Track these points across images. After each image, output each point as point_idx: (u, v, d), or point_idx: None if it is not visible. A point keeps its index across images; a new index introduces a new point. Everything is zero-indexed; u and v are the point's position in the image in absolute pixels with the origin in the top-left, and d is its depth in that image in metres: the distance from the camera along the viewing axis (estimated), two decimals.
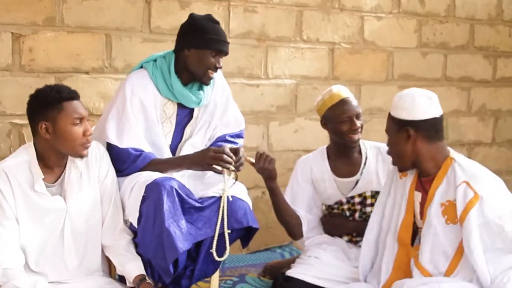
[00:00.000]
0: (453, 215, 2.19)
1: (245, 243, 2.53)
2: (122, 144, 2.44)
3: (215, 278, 2.57)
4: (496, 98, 4.41)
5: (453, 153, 2.31)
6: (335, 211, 2.76)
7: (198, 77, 2.53)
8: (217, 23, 2.54)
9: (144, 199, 2.28)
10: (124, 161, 2.44)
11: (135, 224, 2.32)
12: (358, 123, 2.67)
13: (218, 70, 2.56)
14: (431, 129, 2.27)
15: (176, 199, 2.28)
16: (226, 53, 2.55)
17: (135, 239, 2.35)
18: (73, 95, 2.20)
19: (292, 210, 2.75)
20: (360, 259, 2.50)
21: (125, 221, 2.38)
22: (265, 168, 2.61)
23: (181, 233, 2.24)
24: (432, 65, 4.19)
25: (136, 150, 2.45)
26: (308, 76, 3.83)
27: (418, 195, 2.34)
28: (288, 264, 2.81)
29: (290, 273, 2.59)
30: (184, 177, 2.48)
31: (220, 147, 2.44)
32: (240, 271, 3.24)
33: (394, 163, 2.40)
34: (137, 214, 2.30)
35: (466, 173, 2.20)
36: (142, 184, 2.32)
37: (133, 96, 2.49)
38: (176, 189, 2.28)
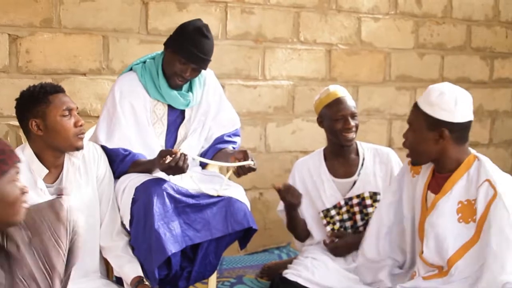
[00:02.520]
0: (469, 215, 2.14)
1: (243, 245, 2.53)
2: (112, 145, 2.45)
3: (213, 279, 2.57)
4: (493, 99, 4.41)
5: (475, 152, 2.25)
6: (336, 217, 2.74)
7: (166, 77, 2.52)
8: (205, 36, 2.45)
9: (134, 201, 2.28)
10: (113, 161, 2.43)
11: (127, 226, 2.32)
12: (353, 122, 2.68)
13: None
14: (464, 131, 2.20)
15: (167, 200, 2.27)
16: (198, 67, 2.48)
17: (130, 241, 2.34)
18: (58, 89, 2.21)
19: (305, 223, 2.80)
20: (365, 251, 2.46)
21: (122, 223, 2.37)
22: (290, 201, 2.67)
23: (171, 235, 2.23)
24: (429, 66, 4.19)
25: (125, 150, 2.45)
26: (305, 77, 3.82)
27: (432, 196, 2.25)
28: (286, 265, 2.81)
29: (285, 273, 2.58)
30: None
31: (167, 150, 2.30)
32: (237, 272, 3.24)
33: (412, 157, 2.28)
34: (129, 217, 2.29)
35: (487, 172, 2.14)
36: (132, 186, 2.32)
37: (123, 99, 2.49)
38: (166, 191, 2.27)
